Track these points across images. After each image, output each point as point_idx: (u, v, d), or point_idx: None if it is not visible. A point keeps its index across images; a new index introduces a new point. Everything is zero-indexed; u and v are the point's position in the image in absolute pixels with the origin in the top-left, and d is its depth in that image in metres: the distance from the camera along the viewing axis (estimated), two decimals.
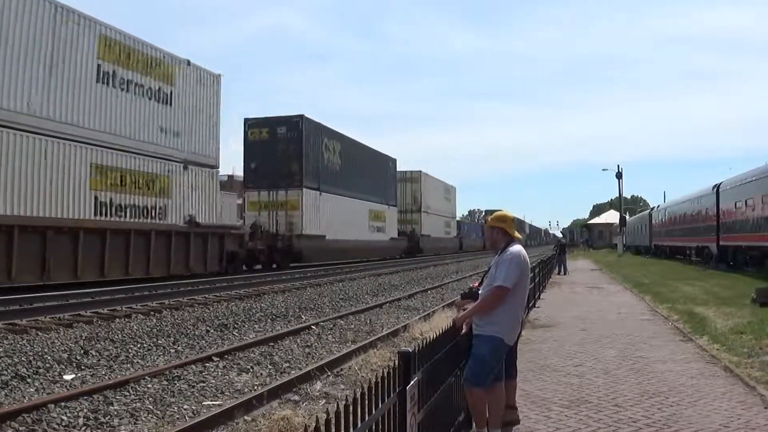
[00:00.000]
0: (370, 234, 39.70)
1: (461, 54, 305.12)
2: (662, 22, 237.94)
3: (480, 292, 4.71)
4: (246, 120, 30.60)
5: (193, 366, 8.14)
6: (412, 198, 50.81)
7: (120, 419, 5.96)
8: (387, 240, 43.02)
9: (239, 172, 51.53)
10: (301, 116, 30.34)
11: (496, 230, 4.69)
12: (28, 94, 15.74)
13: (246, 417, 6.04)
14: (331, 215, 32.66)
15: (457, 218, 71.99)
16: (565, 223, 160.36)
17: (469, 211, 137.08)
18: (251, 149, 30.27)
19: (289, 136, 30.00)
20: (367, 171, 39.25)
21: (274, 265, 27.75)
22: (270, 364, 8.63)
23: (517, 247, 4.57)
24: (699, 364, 7.51)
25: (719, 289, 17.22)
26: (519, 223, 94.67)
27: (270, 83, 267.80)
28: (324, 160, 32.64)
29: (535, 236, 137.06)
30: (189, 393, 6.99)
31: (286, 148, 29.93)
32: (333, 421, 2.19)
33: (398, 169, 47.94)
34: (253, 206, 29.88)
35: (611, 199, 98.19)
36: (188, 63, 22.21)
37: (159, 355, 9.08)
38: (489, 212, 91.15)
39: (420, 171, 52.02)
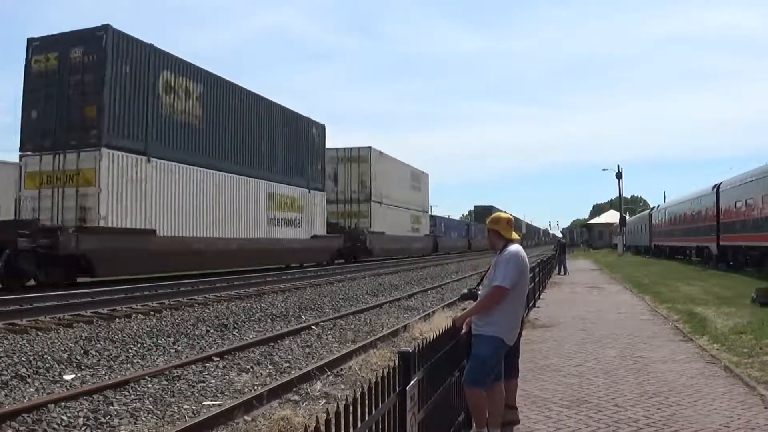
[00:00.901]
0: (272, 229, 27.18)
1: (461, 54, 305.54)
2: (662, 22, 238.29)
3: (479, 292, 4.72)
4: (29, 41, 18.94)
5: (193, 366, 8.14)
6: (358, 183, 39.04)
7: (120, 419, 5.96)
8: (305, 239, 30.32)
9: None
10: (106, 27, 18.46)
11: (491, 232, 4.75)
12: None
13: (246, 417, 6.04)
14: (173, 197, 20.99)
15: (432, 212, 62.22)
16: (565, 223, 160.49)
17: (469, 212, 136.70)
18: (34, 87, 18.78)
19: (86, 62, 18.34)
20: (266, 135, 26.92)
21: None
22: (270, 364, 8.63)
23: (515, 247, 4.58)
24: (699, 364, 7.51)
25: (719, 289, 17.22)
26: (520, 225, 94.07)
27: (270, 83, 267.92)
28: (160, 106, 20.52)
29: (533, 236, 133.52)
30: (189, 393, 6.99)
31: (80, 83, 18.36)
32: (333, 421, 2.19)
33: (341, 146, 38.86)
34: (31, 180, 18.57)
35: (611, 199, 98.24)
36: None
37: (159, 355, 9.08)
38: (478, 208, 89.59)
39: (370, 147, 39.63)
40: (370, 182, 39.37)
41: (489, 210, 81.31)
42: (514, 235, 4.67)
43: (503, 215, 4.83)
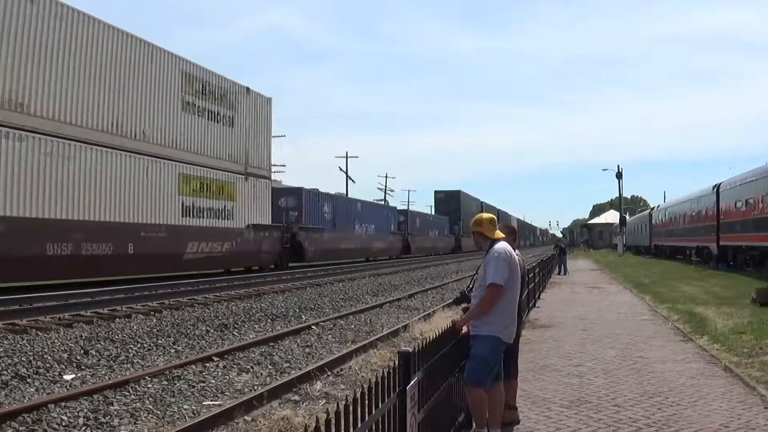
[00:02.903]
0: None
1: (461, 54, 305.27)
2: (662, 22, 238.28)
3: (472, 294, 4.73)
4: None
5: (193, 366, 8.14)
6: None
7: (120, 419, 5.96)
8: None
9: None
10: None
11: (475, 234, 4.81)
12: None
13: (246, 417, 6.04)
14: None
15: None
16: (565, 223, 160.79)
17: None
18: None
19: None
20: None
21: None
22: (270, 364, 8.62)
23: (500, 245, 4.62)
24: (699, 364, 7.51)
25: (719, 289, 17.22)
26: (507, 220, 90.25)
27: (270, 83, 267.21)
28: None
29: (528, 235, 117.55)
30: (189, 393, 6.99)
31: None
32: (333, 421, 2.19)
33: None
34: None
35: (611, 199, 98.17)
36: None
37: (159, 355, 9.08)
38: (440, 194, 68.32)
39: None
40: None
41: (456, 195, 67.26)
42: (498, 234, 4.72)
43: (485, 216, 4.86)
